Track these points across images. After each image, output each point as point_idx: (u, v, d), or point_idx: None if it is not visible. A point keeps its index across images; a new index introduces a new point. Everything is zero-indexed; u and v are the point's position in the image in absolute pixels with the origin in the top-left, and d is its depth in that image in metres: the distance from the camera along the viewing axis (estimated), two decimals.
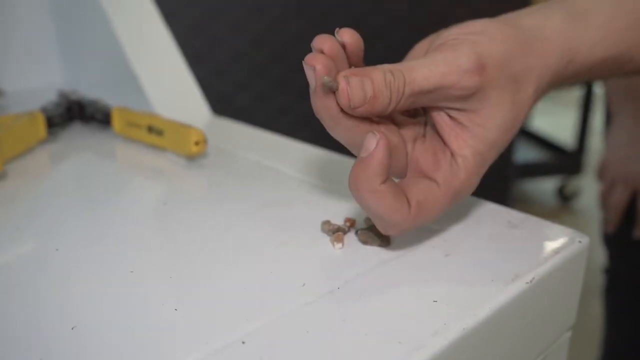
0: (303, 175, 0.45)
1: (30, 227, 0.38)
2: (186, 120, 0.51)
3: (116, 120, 0.53)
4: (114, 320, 0.28)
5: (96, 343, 0.26)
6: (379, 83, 0.29)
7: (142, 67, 0.58)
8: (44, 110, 0.53)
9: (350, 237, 0.35)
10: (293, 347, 0.26)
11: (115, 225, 0.38)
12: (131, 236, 0.37)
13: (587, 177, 2.39)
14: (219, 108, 0.64)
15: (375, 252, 0.33)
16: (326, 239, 0.35)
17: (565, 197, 2.39)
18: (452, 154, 0.32)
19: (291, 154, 0.49)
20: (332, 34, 0.31)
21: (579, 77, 0.35)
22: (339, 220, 0.37)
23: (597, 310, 0.98)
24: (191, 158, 0.49)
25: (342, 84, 0.29)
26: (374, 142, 0.29)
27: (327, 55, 0.29)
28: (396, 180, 0.31)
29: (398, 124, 0.34)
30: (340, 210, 0.38)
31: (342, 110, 0.30)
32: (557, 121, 3.04)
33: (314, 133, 0.58)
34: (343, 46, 0.31)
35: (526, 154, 2.35)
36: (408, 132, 0.34)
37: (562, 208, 2.38)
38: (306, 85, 0.30)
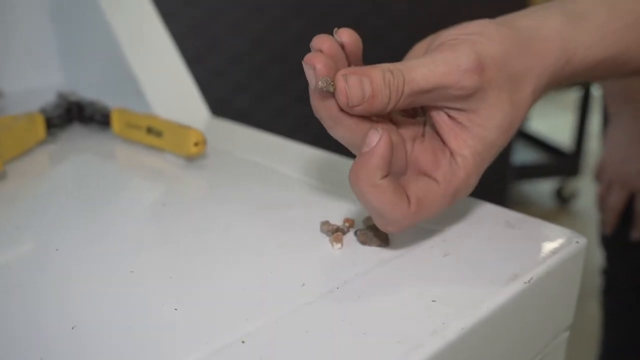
0: (302, 176, 0.45)
1: (30, 227, 0.38)
2: (185, 121, 0.51)
3: (115, 122, 0.54)
4: (114, 320, 0.28)
5: (96, 343, 0.26)
6: (378, 82, 0.29)
7: (141, 68, 0.58)
8: (43, 111, 0.53)
9: (350, 238, 0.35)
10: (293, 346, 0.26)
11: (115, 226, 0.38)
12: (131, 236, 0.37)
13: (584, 179, 2.40)
14: (218, 109, 0.65)
15: (374, 253, 0.34)
16: (325, 239, 0.35)
17: (563, 199, 2.39)
18: (452, 154, 0.32)
19: (290, 155, 0.49)
20: (331, 34, 0.31)
21: (577, 78, 0.36)
22: (338, 221, 0.37)
23: (594, 311, 0.98)
24: (190, 159, 0.49)
25: (341, 83, 0.29)
26: (376, 138, 0.29)
27: (326, 55, 0.30)
28: None
29: (397, 124, 0.34)
30: (339, 210, 0.38)
31: (341, 109, 0.30)
32: (554, 123, 3.05)
33: (313, 134, 0.58)
34: (342, 46, 0.31)
35: (524, 155, 2.35)
36: (407, 132, 0.34)
37: (560, 209, 2.38)
38: (305, 87, 0.30)
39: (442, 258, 0.33)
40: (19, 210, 0.41)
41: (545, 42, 0.33)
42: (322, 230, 0.36)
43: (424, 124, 0.35)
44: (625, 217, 0.81)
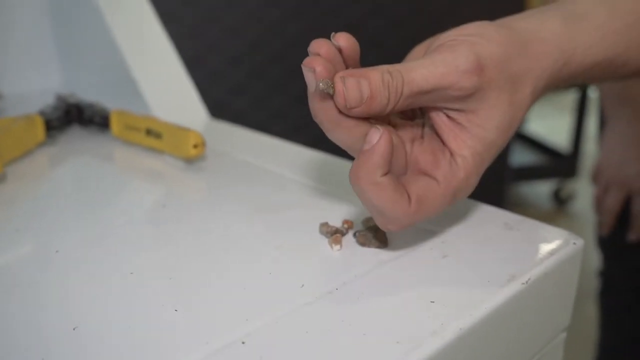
0: (301, 178, 0.45)
1: (30, 229, 0.38)
2: (184, 123, 0.51)
3: (114, 123, 0.54)
4: (115, 321, 0.28)
5: (97, 344, 0.27)
6: (376, 83, 0.29)
7: (140, 70, 0.59)
8: (42, 113, 0.53)
9: (349, 239, 0.35)
10: (292, 347, 0.26)
11: (114, 227, 0.38)
12: (131, 238, 0.37)
13: (582, 181, 2.40)
14: (216, 111, 0.65)
15: (373, 254, 0.34)
16: (324, 240, 0.35)
17: (560, 200, 2.40)
18: (451, 154, 0.32)
19: (289, 156, 0.49)
20: (329, 38, 0.31)
21: (575, 79, 0.36)
22: (337, 222, 0.37)
23: (592, 312, 0.98)
24: (189, 161, 0.49)
25: (339, 85, 0.29)
26: (377, 136, 0.29)
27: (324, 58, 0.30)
28: None
29: (395, 127, 0.34)
30: (338, 212, 0.39)
31: (340, 112, 0.30)
32: (552, 125, 3.06)
33: (312, 136, 0.58)
34: (339, 50, 0.31)
35: (522, 157, 2.36)
36: (406, 134, 0.34)
37: (557, 211, 2.39)
38: (303, 89, 0.30)
39: (441, 259, 0.33)
40: (18, 212, 0.41)
41: (544, 44, 0.33)
42: (321, 232, 0.36)
43: (423, 126, 0.35)
44: (622, 218, 0.82)
